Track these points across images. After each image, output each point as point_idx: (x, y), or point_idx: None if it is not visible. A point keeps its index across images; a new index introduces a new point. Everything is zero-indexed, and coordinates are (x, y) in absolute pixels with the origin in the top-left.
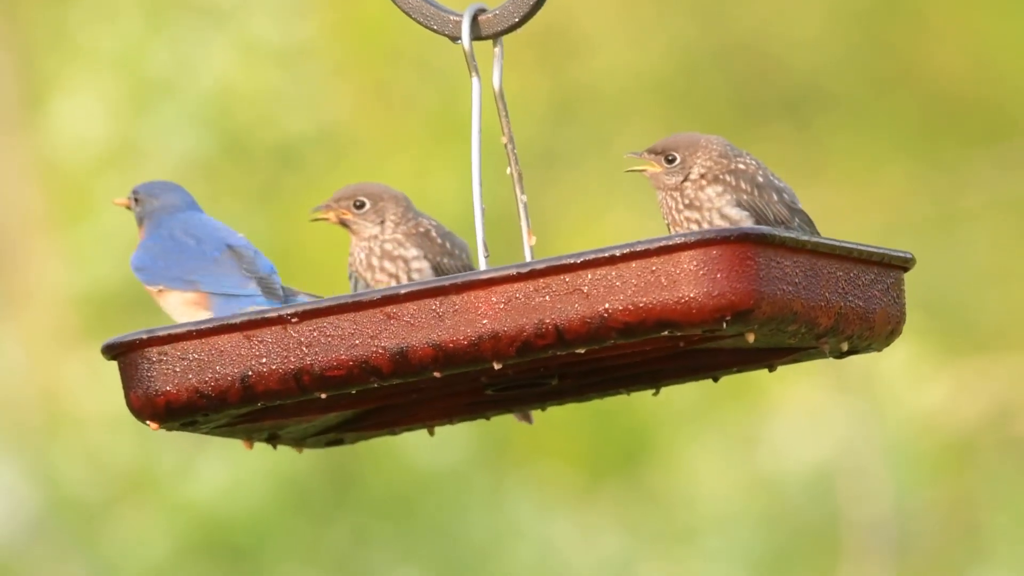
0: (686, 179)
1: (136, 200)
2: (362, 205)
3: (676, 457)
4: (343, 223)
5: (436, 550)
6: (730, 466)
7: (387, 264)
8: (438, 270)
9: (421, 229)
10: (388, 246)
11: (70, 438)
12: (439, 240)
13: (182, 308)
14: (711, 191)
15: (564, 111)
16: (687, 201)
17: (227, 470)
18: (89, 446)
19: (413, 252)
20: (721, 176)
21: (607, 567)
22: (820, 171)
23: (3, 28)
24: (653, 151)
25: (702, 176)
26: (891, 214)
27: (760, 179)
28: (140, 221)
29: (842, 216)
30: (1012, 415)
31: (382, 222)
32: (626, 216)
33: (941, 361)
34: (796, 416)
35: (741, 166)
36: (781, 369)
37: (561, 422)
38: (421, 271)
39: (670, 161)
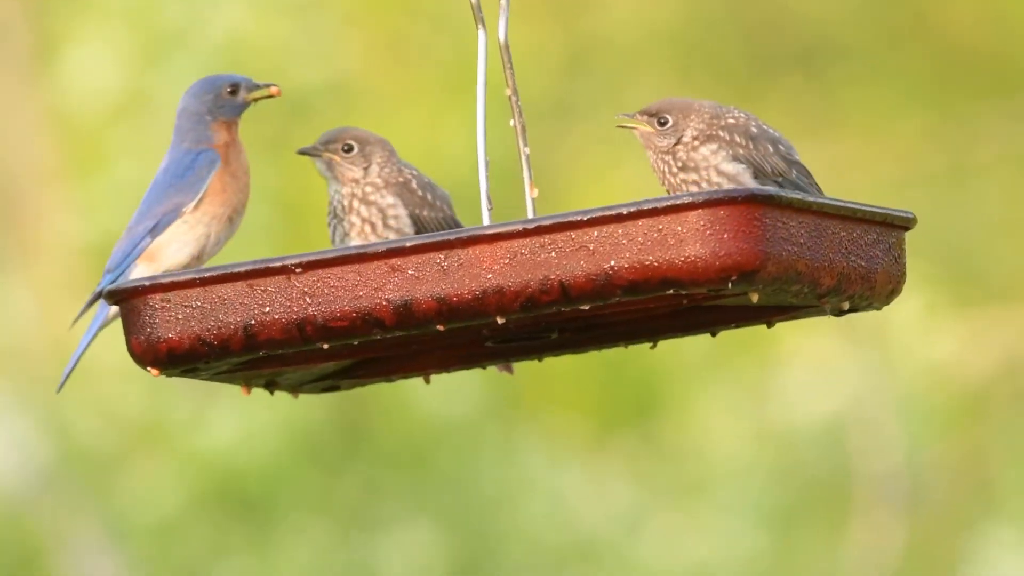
0: (678, 142)
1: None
2: (350, 148)
3: (687, 409)
4: (327, 167)
5: (447, 501)
6: (741, 418)
7: (362, 208)
8: (416, 221)
9: (401, 179)
10: (368, 189)
11: (82, 390)
12: (419, 192)
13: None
14: (705, 150)
15: (576, 63)
16: (680, 164)
17: (239, 421)
18: (101, 398)
19: (390, 200)
20: (714, 134)
21: (617, 519)
22: (832, 123)
23: None
24: (646, 112)
25: (695, 138)
26: (903, 166)
27: (754, 129)
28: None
29: (854, 168)
30: (1023, 368)
31: (367, 166)
32: (638, 168)
33: (952, 313)
34: (807, 368)
35: (731, 120)
36: (792, 321)
37: (571, 374)
38: (398, 218)
39: (662, 124)
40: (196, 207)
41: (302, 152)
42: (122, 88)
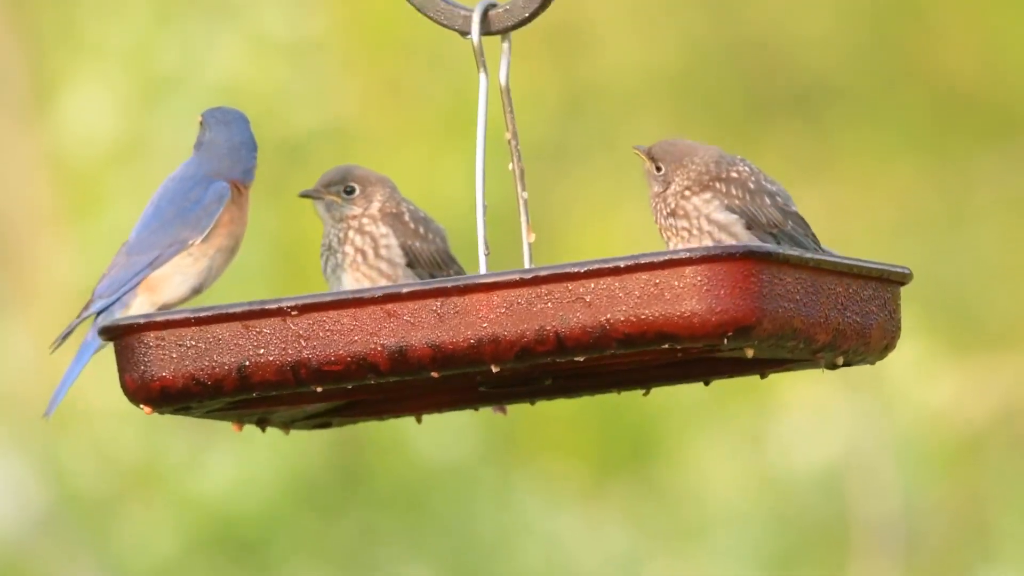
0: (666, 190)
1: (201, 125)
2: (352, 191)
3: (684, 454)
4: (326, 209)
5: (444, 546)
6: (738, 463)
7: (356, 238)
8: (408, 252)
9: (396, 211)
10: (365, 221)
11: (77, 433)
12: (411, 224)
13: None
14: (697, 200)
15: (574, 107)
16: (669, 209)
17: (235, 465)
18: (97, 441)
19: (383, 230)
20: (711, 184)
21: (615, 564)
22: (829, 167)
23: (12, 21)
24: (648, 153)
25: (686, 188)
26: (900, 210)
27: (752, 185)
28: (197, 147)
29: (851, 212)
30: (1021, 413)
31: (367, 206)
32: (635, 212)
33: (949, 359)
34: (804, 414)
35: (734, 175)
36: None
37: (568, 418)
38: (389, 248)
39: (658, 169)
40: (203, 241)
41: (304, 195)
42: (119, 131)
